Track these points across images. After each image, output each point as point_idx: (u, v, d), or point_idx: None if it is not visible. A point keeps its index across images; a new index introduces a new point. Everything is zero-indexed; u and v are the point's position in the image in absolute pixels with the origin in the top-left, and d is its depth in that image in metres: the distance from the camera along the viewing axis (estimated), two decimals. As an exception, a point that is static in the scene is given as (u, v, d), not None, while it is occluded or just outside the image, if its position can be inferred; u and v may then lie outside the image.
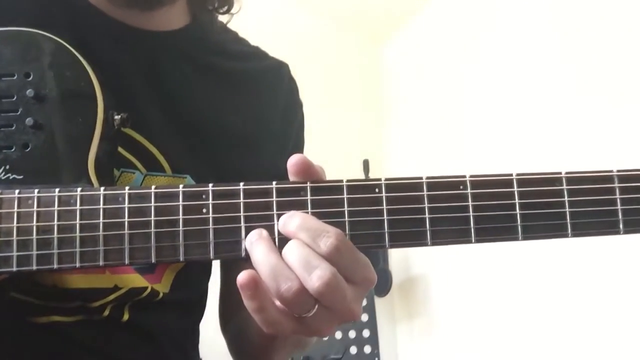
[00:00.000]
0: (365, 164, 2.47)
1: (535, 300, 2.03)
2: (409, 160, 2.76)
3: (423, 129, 2.72)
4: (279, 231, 0.50)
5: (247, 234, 0.50)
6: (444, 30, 2.72)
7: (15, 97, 0.57)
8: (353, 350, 2.20)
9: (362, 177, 2.43)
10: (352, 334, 2.31)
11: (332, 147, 2.54)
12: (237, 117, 0.78)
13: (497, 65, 2.39)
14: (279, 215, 0.50)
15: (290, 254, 0.47)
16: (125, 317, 0.68)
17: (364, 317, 2.23)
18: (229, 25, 0.88)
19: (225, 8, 0.84)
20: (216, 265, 0.83)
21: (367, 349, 2.20)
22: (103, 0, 0.70)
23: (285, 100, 0.86)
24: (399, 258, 2.58)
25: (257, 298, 0.47)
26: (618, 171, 0.51)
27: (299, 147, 0.88)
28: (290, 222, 0.49)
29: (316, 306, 0.47)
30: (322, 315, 0.48)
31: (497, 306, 2.18)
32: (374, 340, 2.20)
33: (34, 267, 0.50)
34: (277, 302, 0.48)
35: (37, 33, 0.60)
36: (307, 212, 0.50)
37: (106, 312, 0.66)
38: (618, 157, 1.74)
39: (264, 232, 0.49)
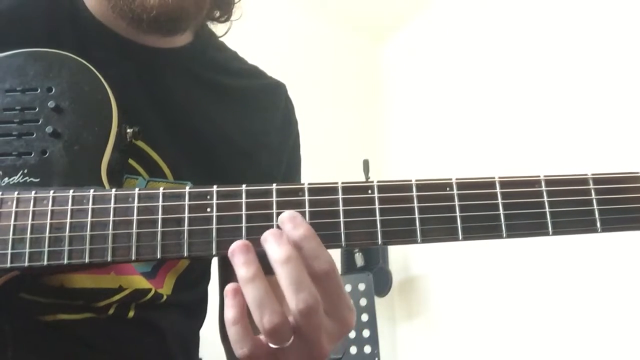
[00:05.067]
0: (365, 164, 2.48)
1: (534, 299, 2.04)
2: (409, 160, 2.78)
3: (423, 128, 2.74)
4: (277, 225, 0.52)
5: (248, 232, 0.52)
6: (443, 31, 2.74)
7: (37, 109, 0.61)
8: (353, 350, 2.20)
9: (363, 177, 2.45)
10: (352, 334, 2.31)
11: (332, 147, 2.56)
12: (235, 129, 0.81)
13: (496, 65, 2.41)
14: (278, 214, 0.53)
15: (285, 268, 0.48)
16: (131, 314, 0.70)
17: (364, 317, 2.24)
18: (230, 31, 0.91)
19: (225, 17, 0.87)
20: (215, 269, 0.86)
21: (367, 349, 2.20)
22: (111, 18, 0.73)
23: (282, 117, 0.89)
24: (398, 258, 2.59)
25: (238, 306, 0.49)
26: (593, 174, 0.54)
27: (294, 163, 0.91)
28: (295, 232, 0.50)
29: (292, 337, 0.49)
30: (296, 348, 0.50)
31: (497, 306, 2.19)
32: (374, 340, 2.20)
33: (45, 263, 0.53)
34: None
35: (59, 53, 0.64)
36: (304, 211, 0.53)
37: (111, 311, 0.68)
38: (615, 159, 1.77)
39: (252, 255, 0.49)
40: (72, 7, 0.74)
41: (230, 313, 0.49)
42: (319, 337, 0.50)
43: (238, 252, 0.49)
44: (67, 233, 0.53)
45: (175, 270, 0.75)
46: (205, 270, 0.85)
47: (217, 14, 0.87)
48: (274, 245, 0.49)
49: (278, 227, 0.52)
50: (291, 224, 0.51)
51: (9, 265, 0.53)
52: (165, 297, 0.73)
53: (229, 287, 0.50)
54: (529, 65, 2.26)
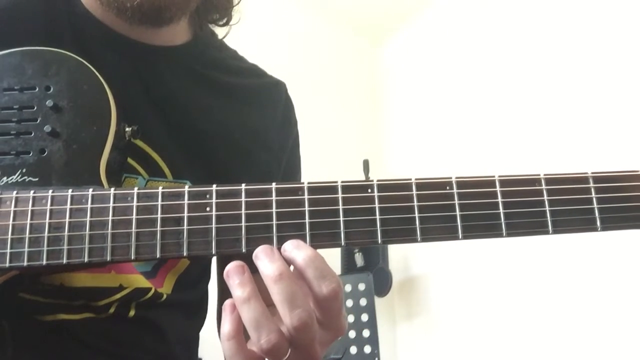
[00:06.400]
0: (365, 164, 2.48)
1: (534, 299, 2.04)
2: (409, 160, 2.78)
3: (423, 128, 2.74)
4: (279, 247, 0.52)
5: (247, 231, 0.52)
6: (443, 31, 2.75)
7: (35, 108, 0.61)
8: (353, 350, 2.20)
9: (363, 177, 2.45)
10: (352, 334, 2.31)
11: (332, 147, 2.57)
12: (235, 128, 0.81)
13: (495, 65, 2.42)
14: (277, 214, 0.53)
15: (278, 285, 0.49)
16: (132, 313, 0.70)
17: (364, 317, 2.24)
18: (230, 31, 0.91)
19: (225, 20, 0.87)
20: (215, 268, 0.86)
21: (367, 349, 2.20)
22: (110, 16, 0.72)
23: (282, 116, 0.89)
24: (398, 258, 2.59)
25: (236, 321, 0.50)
26: (593, 173, 0.54)
27: (293, 162, 0.91)
28: (299, 253, 0.50)
29: (289, 350, 0.49)
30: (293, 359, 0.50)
31: (497, 306, 2.19)
32: (374, 340, 2.21)
33: (44, 262, 0.53)
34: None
35: (57, 51, 0.64)
36: (304, 210, 0.53)
37: (112, 310, 0.68)
38: (615, 158, 1.77)
39: (247, 275, 0.50)
40: (70, 5, 0.74)
41: (226, 328, 0.50)
42: (313, 347, 0.50)
43: (233, 273, 0.50)
44: (66, 232, 0.53)
45: (176, 270, 0.75)
46: (205, 270, 0.85)
47: (217, 16, 0.87)
48: (265, 262, 0.50)
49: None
50: (295, 249, 0.51)
51: (7, 265, 0.53)
52: (165, 296, 0.73)
53: (228, 302, 0.50)
54: (528, 66, 2.26)
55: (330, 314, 0.50)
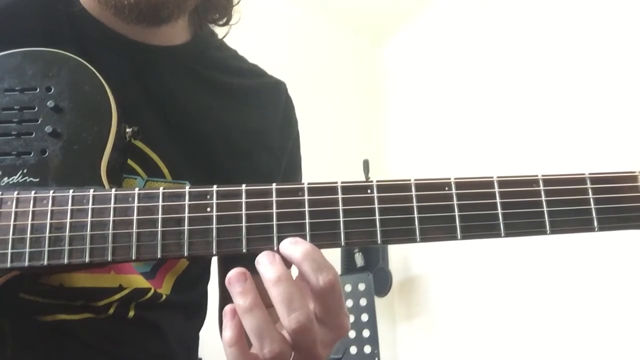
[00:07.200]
0: (365, 164, 2.48)
1: (534, 299, 2.04)
2: (409, 160, 2.78)
3: (422, 129, 2.74)
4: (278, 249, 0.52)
5: (248, 232, 0.53)
6: (443, 31, 2.75)
7: (36, 108, 0.61)
8: (353, 350, 2.20)
9: (363, 177, 2.45)
10: (352, 334, 2.31)
11: (333, 147, 2.57)
12: (235, 128, 0.81)
13: (495, 65, 2.42)
14: (278, 214, 0.53)
15: (277, 288, 0.49)
16: (131, 313, 0.70)
17: (364, 317, 2.25)
18: (230, 31, 0.91)
19: (224, 20, 0.87)
20: (215, 268, 0.86)
21: (367, 349, 2.21)
22: (109, 15, 0.72)
23: (283, 116, 0.89)
24: (398, 258, 2.59)
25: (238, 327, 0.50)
26: (590, 174, 0.54)
27: (294, 162, 0.91)
28: (296, 248, 0.51)
29: (292, 354, 0.50)
30: None
31: (497, 306, 2.19)
32: (374, 340, 2.21)
33: (45, 262, 0.53)
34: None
35: (58, 52, 0.64)
36: (304, 210, 0.53)
37: (111, 310, 0.68)
38: (612, 159, 1.77)
39: (249, 283, 0.50)
40: (68, 5, 0.74)
41: (228, 334, 0.50)
42: (315, 349, 0.50)
43: (235, 281, 0.50)
44: (67, 233, 0.53)
45: (175, 271, 0.75)
46: (205, 270, 0.85)
47: (217, 16, 0.87)
48: (266, 266, 0.50)
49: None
50: (292, 245, 0.51)
51: (9, 265, 0.53)
52: (164, 296, 0.73)
53: (228, 308, 0.50)
54: (527, 66, 2.26)
55: (330, 309, 0.51)
